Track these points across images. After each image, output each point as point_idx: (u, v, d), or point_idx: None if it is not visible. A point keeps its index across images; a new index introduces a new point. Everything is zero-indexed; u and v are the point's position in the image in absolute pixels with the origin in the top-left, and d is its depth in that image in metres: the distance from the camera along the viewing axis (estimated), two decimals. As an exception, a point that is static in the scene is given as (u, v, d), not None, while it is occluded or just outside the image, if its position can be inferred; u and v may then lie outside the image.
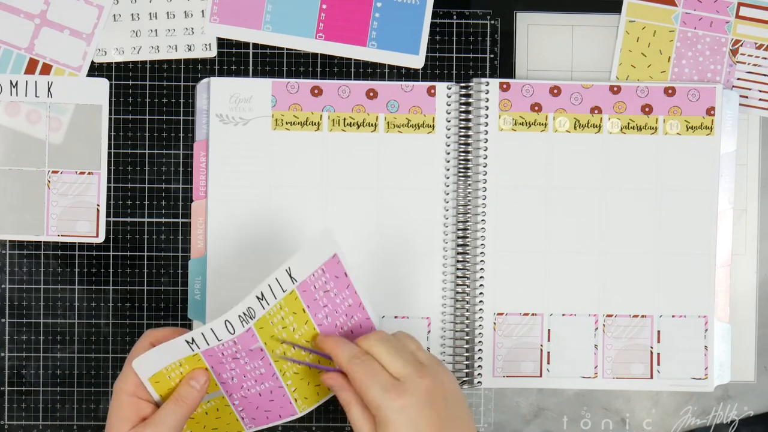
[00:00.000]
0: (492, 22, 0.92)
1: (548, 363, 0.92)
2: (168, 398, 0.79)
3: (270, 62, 0.92)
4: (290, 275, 0.78)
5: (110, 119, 0.91)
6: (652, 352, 0.92)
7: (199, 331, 0.77)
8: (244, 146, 0.91)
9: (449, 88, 0.91)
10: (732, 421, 0.93)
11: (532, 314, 0.92)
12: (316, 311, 0.81)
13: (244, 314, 0.77)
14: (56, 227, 0.91)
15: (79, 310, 0.91)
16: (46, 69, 0.90)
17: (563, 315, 0.91)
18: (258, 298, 0.77)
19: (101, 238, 0.91)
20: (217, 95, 0.91)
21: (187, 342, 0.77)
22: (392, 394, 0.76)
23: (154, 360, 0.78)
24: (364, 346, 0.80)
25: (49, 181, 0.90)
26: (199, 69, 0.91)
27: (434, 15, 0.92)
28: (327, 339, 0.81)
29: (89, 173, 0.91)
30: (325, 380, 0.81)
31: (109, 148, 0.91)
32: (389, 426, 0.76)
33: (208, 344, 0.77)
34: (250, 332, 0.78)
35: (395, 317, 0.91)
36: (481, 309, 0.91)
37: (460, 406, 0.80)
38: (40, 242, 0.91)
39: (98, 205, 0.91)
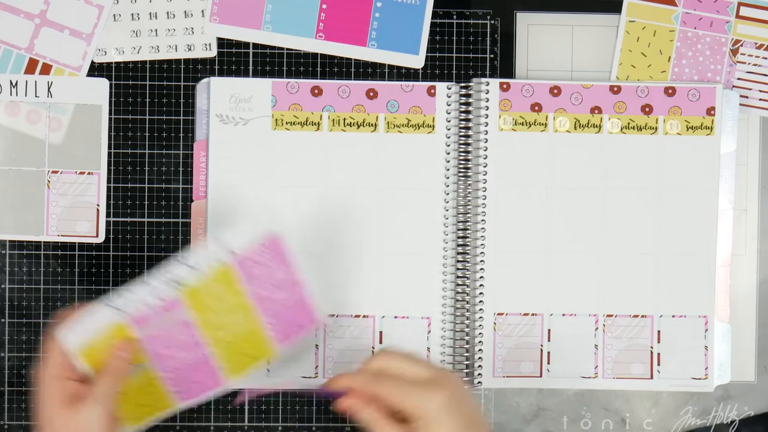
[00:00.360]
0: (492, 22, 0.92)
1: (548, 363, 0.92)
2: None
3: (270, 62, 0.92)
4: (227, 248, 0.78)
5: (110, 119, 0.91)
6: (652, 352, 0.92)
7: (120, 294, 0.76)
8: (244, 146, 0.91)
9: (449, 88, 0.91)
10: (732, 421, 0.93)
11: (532, 314, 0.92)
12: (254, 288, 0.81)
13: (172, 280, 0.77)
14: (56, 227, 0.91)
15: (79, 310, 0.91)
16: (46, 69, 0.90)
17: (563, 315, 0.91)
18: (189, 266, 0.77)
19: (101, 238, 0.91)
20: (217, 95, 0.91)
21: (110, 306, 0.77)
22: (430, 390, 0.77)
23: (80, 329, 0.77)
24: (376, 366, 0.80)
25: (49, 181, 0.90)
26: (199, 69, 0.91)
27: (434, 15, 0.92)
28: (335, 379, 0.81)
29: (89, 173, 0.91)
30: (339, 406, 0.79)
31: (109, 148, 0.91)
32: (434, 422, 0.76)
33: (133, 309, 0.77)
34: (179, 299, 0.78)
35: (395, 317, 0.91)
36: (481, 309, 0.91)
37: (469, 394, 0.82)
38: (40, 242, 0.91)
39: (98, 205, 0.91)
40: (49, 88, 0.90)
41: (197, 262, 0.77)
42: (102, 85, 0.91)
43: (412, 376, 0.78)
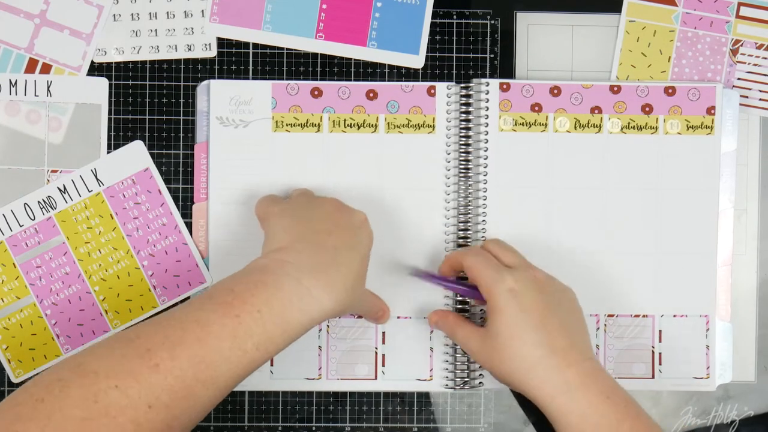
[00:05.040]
0: (492, 22, 0.93)
1: (549, 363, 0.91)
2: None
3: (270, 62, 0.92)
4: (96, 177, 0.80)
5: (110, 119, 0.91)
6: (653, 352, 0.92)
7: None
8: (244, 148, 0.90)
9: (449, 89, 0.91)
10: (732, 422, 0.93)
11: (533, 314, 0.91)
12: (125, 220, 0.83)
13: (44, 201, 0.78)
14: (55, 228, 0.90)
15: (79, 311, 0.91)
16: (46, 69, 0.90)
17: (564, 315, 0.91)
18: (60, 189, 0.78)
19: (101, 239, 0.91)
20: (217, 98, 0.90)
21: None
22: (504, 275, 0.80)
23: None
24: (478, 246, 0.87)
25: (48, 181, 0.90)
26: (199, 69, 0.91)
27: (434, 15, 0.92)
28: (452, 254, 0.87)
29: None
30: (430, 322, 0.88)
31: (109, 148, 0.90)
32: (498, 309, 0.80)
33: (11, 230, 0.78)
34: (51, 222, 0.79)
35: (397, 317, 0.91)
36: (482, 309, 0.91)
37: (571, 307, 0.83)
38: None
39: (98, 206, 0.91)
40: (48, 88, 0.90)
41: (67, 186, 0.81)
42: (102, 84, 0.90)
43: (502, 260, 0.84)
